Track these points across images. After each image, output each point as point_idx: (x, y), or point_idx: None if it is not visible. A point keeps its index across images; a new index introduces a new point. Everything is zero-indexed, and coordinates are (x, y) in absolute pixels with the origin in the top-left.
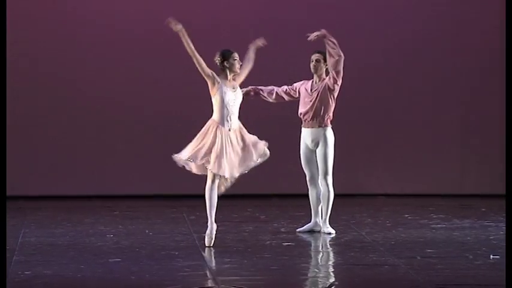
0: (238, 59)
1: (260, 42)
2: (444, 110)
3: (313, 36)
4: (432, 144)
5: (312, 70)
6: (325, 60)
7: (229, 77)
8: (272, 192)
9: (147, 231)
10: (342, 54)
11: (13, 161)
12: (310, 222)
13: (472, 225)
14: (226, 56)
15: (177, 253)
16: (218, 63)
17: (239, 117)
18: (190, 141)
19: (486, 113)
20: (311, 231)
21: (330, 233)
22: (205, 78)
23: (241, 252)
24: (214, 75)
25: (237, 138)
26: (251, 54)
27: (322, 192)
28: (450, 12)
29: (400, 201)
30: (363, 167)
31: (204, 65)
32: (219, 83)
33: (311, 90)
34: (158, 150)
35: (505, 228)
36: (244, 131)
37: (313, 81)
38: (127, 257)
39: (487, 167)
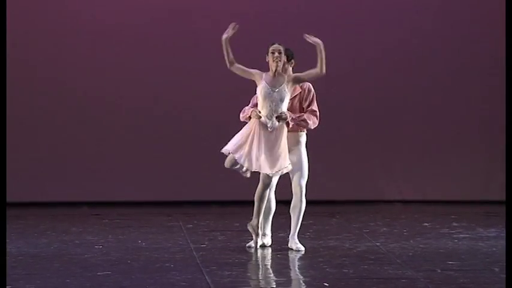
0: (275, 52)
1: (312, 38)
2: (467, 110)
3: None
4: (454, 146)
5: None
6: (288, 60)
7: (272, 72)
8: (279, 198)
9: (139, 241)
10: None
11: None
12: None
13: (499, 235)
14: (268, 50)
15: (172, 265)
16: (277, 60)
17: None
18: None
19: None
20: None
21: (299, 250)
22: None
23: (243, 265)
24: (257, 72)
25: (273, 140)
26: (319, 62)
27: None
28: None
29: (419, 208)
30: (378, 171)
31: (246, 70)
32: (261, 79)
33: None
34: (151, 154)
35: None
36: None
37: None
38: (117, 270)
39: None
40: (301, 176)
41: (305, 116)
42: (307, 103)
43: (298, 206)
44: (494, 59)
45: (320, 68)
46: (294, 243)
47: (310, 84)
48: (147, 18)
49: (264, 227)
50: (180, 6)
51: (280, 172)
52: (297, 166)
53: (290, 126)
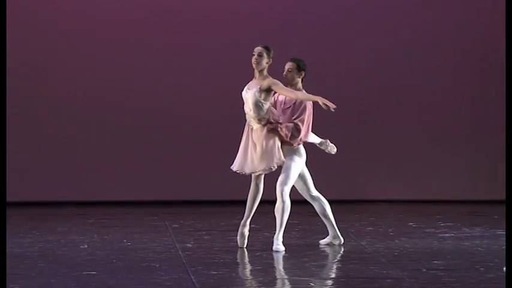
0: (255, 54)
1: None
2: (454, 110)
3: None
4: (440, 145)
5: (285, 80)
6: (299, 70)
7: (256, 74)
8: (264, 198)
9: (125, 241)
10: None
11: None
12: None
13: (484, 234)
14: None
15: (158, 265)
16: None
17: None
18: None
19: (499, 113)
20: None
21: (277, 251)
22: None
23: (229, 264)
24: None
25: (254, 141)
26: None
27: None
28: (453, 12)
29: (404, 207)
30: (363, 171)
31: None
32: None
33: (285, 103)
34: (137, 154)
35: None
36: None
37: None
38: (103, 269)
39: (500, 170)
40: (283, 180)
41: (284, 125)
42: (295, 115)
43: (280, 208)
44: (484, 60)
45: (296, 97)
46: (276, 244)
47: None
48: (143, 17)
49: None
50: (177, 5)
51: (258, 172)
52: (284, 170)
53: (268, 128)
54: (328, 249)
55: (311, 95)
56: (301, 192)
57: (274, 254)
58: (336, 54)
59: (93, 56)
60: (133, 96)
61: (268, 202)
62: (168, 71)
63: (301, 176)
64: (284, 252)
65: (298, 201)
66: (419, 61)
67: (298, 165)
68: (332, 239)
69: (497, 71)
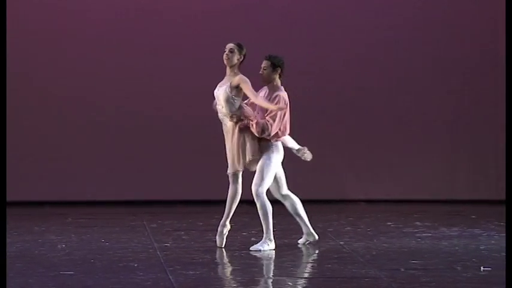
0: (226, 50)
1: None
2: (432, 109)
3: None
4: (418, 145)
5: (261, 78)
6: (274, 67)
7: (228, 70)
8: (243, 198)
9: (103, 240)
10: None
11: None
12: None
13: (461, 234)
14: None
15: (136, 265)
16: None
17: None
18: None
19: (478, 114)
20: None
21: (256, 250)
22: None
23: (207, 264)
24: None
25: (229, 140)
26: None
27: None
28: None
29: (383, 207)
30: (341, 170)
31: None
32: None
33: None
34: (115, 152)
35: (497, 237)
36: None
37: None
38: (81, 269)
39: (478, 170)
40: (257, 181)
41: (255, 121)
42: (268, 111)
43: (260, 209)
44: (466, 60)
45: (255, 101)
46: (260, 243)
47: (281, 95)
48: (135, 18)
49: (305, 227)
50: (179, 5)
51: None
52: (258, 170)
53: (239, 126)
54: (305, 249)
55: (267, 103)
56: (272, 191)
57: (254, 254)
58: (317, 54)
59: (87, 57)
60: (113, 95)
61: (247, 202)
62: (158, 70)
63: (275, 175)
64: (270, 251)
65: (277, 201)
66: (400, 61)
67: (274, 163)
68: (307, 237)
69: (480, 68)
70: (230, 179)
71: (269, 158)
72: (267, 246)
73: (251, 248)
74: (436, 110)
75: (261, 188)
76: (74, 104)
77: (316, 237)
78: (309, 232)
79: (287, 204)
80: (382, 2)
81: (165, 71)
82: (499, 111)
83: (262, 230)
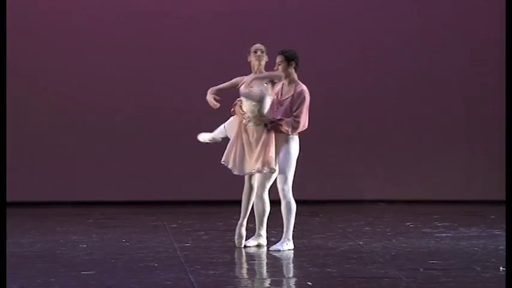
0: (257, 51)
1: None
2: (449, 111)
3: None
4: (436, 146)
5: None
6: (288, 61)
7: (255, 70)
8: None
9: (123, 241)
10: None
11: None
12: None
13: (480, 234)
14: (250, 51)
15: (156, 265)
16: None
17: None
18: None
19: (494, 114)
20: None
21: (276, 250)
22: None
23: (227, 264)
24: (238, 79)
25: (253, 141)
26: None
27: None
28: (451, 12)
29: (402, 208)
30: (361, 171)
31: (234, 83)
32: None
33: (281, 94)
34: (136, 153)
35: None
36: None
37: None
38: (102, 269)
39: (496, 170)
40: (281, 180)
41: (283, 121)
42: (295, 107)
43: (284, 207)
44: (477, 61)
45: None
46: (279, 243)
47: (304, 89)
48: (135, 19)
49: (259, 228)
50: (185, 8)
51: (255, 172)
52: (280, 169)
53: (268, 128)
54: (325, 249)
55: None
56: (258, 182)
57: (273, 254)
58: (332, 54)
59: (94, 59)
60: (132, 97)
61: (274, 202)
62: (168, 71)
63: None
64: (288, 251)
65: (296, 201)
66: (415, 61)
67: (293, 157)
68: (257, 237)
69: (494, 70)
70: (246, 178)
71: (288, 153)
72: (286, 246)
73: (271, 248)
74: (453, 111)
75: (286, 186)
76: (95, 106)
77: (265, 241)
78: (259, 234)
79: (259, 204)
80: (392, 2)
81: (179, 69)
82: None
83: (282, 230)
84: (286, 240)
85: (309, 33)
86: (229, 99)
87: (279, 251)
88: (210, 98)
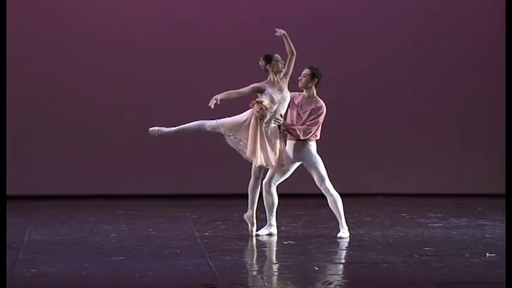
0: (280, 60)
1: (280, 32)
2: (442, 109)
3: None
4: (430, 144)
5: (299, 83)
6: (312, 77)
7: (275, 78)
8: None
9: (150, 230)
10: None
11: (18, 161)
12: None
13: (469, 224)
14: (268, 60)
15: (179, 252)
16: (263, 67)
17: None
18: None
19: (484, 112)
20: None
21: (341, 237)
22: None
23: (242, 251)
24: (258, 85)
25: (271, 136)
26: (288, 47)
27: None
28: (450, 12)
29: (399, 200)
30: (362, 167)
31: (247, 91)
32: (265, 89)
33: (301, 107)
34: (161, 151)
35: (501, 227)
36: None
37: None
38: (130, 255)
39: (484, 166)
40: (319, 180)
41: (296, 127)
42: (311, 117)
43: (331, 203)
44: (474, 60)
45: (290, 51)
46: (341, 231)
47: (323, 105)
48: (134, 18)
49: (270, 219)
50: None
51: (267, 166)
52: (314, 171)
53: (281, 130)
54: (330, 238)
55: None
56: (267, 177)
57: (283, 242)
58: (335, 58)
59: (105, 59)
60: (150, 93)
61: (285, 196)
62: (185, 67)
63: (285, 168)
64: (348, 238)
65: (303, 195)
66: (413, 62)
67: (318, 156)
68: (268, 227)
69: (487, 67)
70: (255, 170)
71: (311, 155)
72: (346, 233)
73: (338, 235)
74: (446, 110)
75: (324, 184)
76: (116, 101)
77: (276, 230)
78: (271, 224)
79: (268, 196)
80: (400, 7)
81: (191, 67)
82: (503, 111)
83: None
84: (343, 228)
85: (309, 34)
86: (229, 100)
87: (342, 238)
88: (216, 98)
